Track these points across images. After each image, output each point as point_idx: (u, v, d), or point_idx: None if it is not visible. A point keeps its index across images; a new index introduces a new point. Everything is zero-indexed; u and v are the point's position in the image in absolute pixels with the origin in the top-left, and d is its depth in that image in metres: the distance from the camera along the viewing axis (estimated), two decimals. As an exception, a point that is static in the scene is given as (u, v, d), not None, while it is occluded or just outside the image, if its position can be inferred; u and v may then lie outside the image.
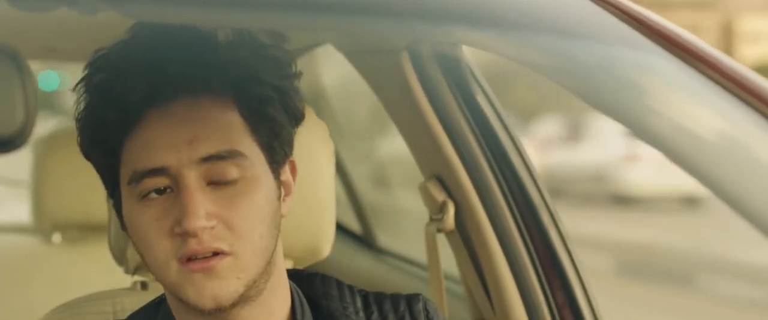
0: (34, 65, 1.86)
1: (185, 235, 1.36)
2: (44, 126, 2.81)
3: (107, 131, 1.40)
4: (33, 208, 2.79)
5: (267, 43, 1.44)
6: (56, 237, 2.89)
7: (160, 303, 1.51)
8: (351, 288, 1.55)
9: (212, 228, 1.37)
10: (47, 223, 2.80)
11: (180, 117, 1.38)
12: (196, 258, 1.37)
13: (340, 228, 3.12)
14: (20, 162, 2.74)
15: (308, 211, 1.87)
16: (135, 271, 1.84)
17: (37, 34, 2.24)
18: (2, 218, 3.39)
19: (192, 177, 1.37)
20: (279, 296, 1.47)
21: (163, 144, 1.38)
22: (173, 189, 1.38)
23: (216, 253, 1.37)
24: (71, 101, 1.46)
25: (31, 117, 1.74)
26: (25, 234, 2.97)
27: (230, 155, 1.38)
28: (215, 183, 1.38)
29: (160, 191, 1.38)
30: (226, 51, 1.40)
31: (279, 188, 1.45)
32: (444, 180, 2.18)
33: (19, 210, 3.15)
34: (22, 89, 1.72)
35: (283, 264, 1.49)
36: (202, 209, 1.36)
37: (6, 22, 1.92)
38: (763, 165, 1.37)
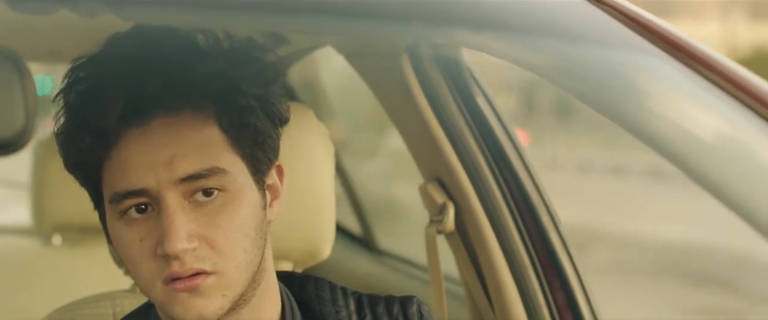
0: (33, 68, 1.86)
1: (167, 257, 1.35)
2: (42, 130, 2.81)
3: (85, 154, 1.37)
4: (33, 210, 2.79)
5: (249, 45, 1.41)
6: (56, 239, 2.89)
7: (151, 306, 1.50)
8: (344, 290, 1.55)
9: (194, 249, 1.35)
10: (47, 225, 2.80)
11: (158, 136, 1.35)
12: (179, 278, 1.36)
13: (340, 230, 3.12)
14: (20, 164, 2.74)
15: (308, 213, 1.87)
16: (134, 273, 1.84)
17: (37, 36, 2.24)
18: (2, 220, 3.39)
19: (172, 198, 1.35)
20: (269, 300, 1.46)
21: (141, 165, 1.35)
22: (154, 208, 1.36)
23: (199, 273, 1.36)
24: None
25: (31, 120, 1.74)
26: (25, 236, 2.97)
27: (211, 173, 1.36)
28: (196, 201, 1.36)
29: (141, 210, 1.36)
30: (205, 62, 1.37)
31: (264, 197, 1.43)
32: (444, 182, 2.18)
33: (19, 212, 3.15)
34: (22, 92, 1.72)
35: (272, 269, 1.48)
36: (183, 231, 1.34)
37: (5, 25, 1.92)
38: (763, 168, 1.37)
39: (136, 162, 1.35)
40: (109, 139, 1.36)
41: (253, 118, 1.39)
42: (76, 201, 2.65)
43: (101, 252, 2.04)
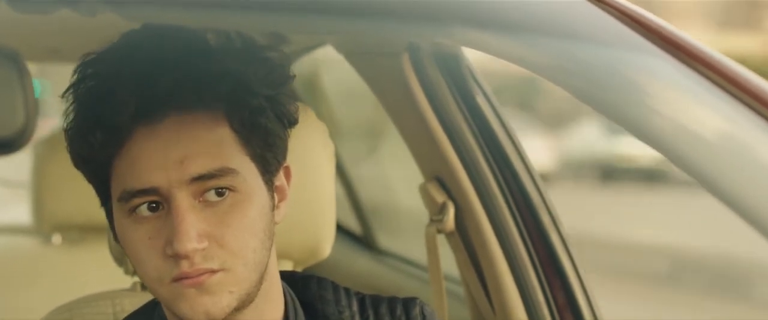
0: (33, 67, 1.86)
1: (177, 257, 1.34)
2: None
3: (95, 151, 1.37)
4: (33, 209, 2.79)
5: (260, 45, 1.41)
6: (56, 239, 2.89)
7: (155, 305, 1.50)
8: (347, 290, 1.55)
9: (204, 249, 1.35)
10: (47, 224, 2.79)
11: (170, 135, 1.35)
12: (188, 277, 1.36)
13: (340, 229, 3.12)
14: (20, 163, 2.74)
15: (308, 212, 1.87)
16: (134, 272, 1.84)
17: (38, 35, 2.24)
18: (2, 219, 3.39)
19: (183, 198, 1.35)
20: (271, 300, 1.46)
21: (152, 164, 1.35)
22: (164, 207, 1.36)
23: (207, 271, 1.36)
24: (52, 108, 1.45)
25: (31, 119, 1.74)
26: (25, 235, 2.97)
27: (222, 173, 1.36)
28: (207, 201, 1.36)
29: (152, 208, 1.36)
30: (216, 61, 1.37)
31: (272, 198, 1.43)
32: (444, 181, 2.18)
33: (19, 211, 3.15)
34: (22, 91, 1.72)
35: (276, 269, 1.48)
36: (194, 230, 1.34)
37: (6, 24, 1.92)
38: (762, 166, 1.37)
39: (147, 161, 1.35)
40: (121, 136, 1.36)
41: (263, 118, 1.39)
42: (76, 200, 2.66)
43: (101, 252, 2.04)
